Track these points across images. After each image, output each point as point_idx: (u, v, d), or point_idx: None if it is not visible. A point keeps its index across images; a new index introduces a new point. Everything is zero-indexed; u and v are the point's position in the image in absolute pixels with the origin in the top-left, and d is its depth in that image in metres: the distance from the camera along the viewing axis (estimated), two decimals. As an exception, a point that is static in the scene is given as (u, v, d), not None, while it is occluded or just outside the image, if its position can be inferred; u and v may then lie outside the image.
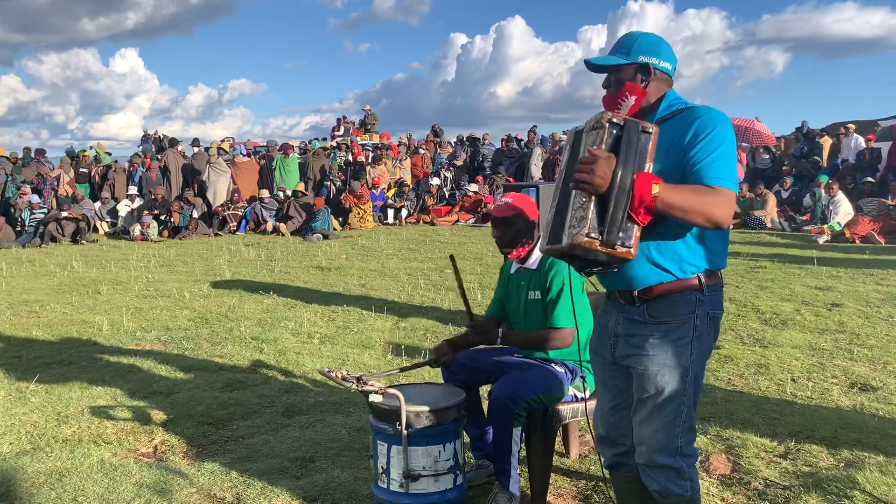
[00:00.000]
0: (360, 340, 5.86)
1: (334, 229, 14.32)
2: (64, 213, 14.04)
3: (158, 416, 4.19)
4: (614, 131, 2.03)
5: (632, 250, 1.99)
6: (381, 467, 2.91)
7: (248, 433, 3.94)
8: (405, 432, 2.79)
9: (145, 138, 20.32)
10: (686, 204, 1.99)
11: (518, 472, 3.04)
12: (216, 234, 14.71)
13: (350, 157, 18.07)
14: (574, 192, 2.04)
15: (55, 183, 16.13)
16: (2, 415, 4.23)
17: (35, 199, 14.68)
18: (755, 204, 14.10)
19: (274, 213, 15.09)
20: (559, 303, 3.02)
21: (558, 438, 3.43)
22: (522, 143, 18.93)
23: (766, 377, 4.66)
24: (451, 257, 3.31)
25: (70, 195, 15.50)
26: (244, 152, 18.05)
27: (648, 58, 2.27)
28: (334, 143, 18.68)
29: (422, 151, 18.70)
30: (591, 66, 2.33)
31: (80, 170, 17.03)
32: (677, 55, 2.37)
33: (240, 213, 15.30)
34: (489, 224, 3.28)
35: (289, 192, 15.39)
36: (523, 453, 3.11)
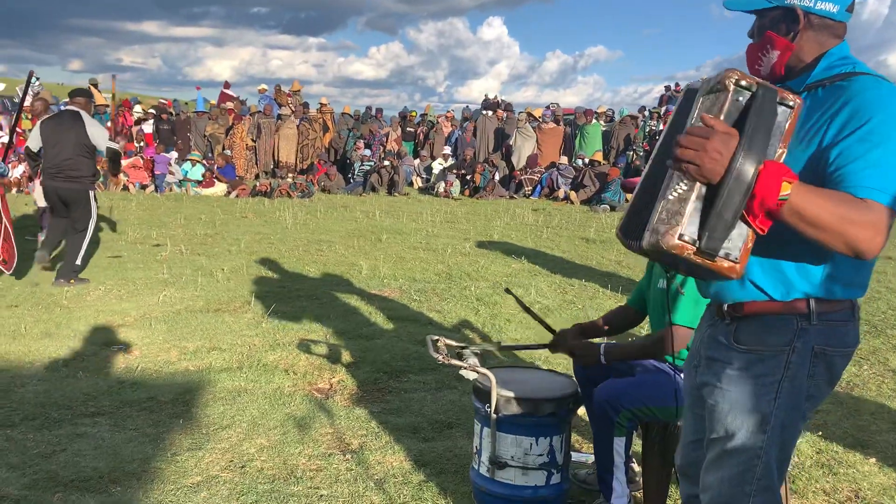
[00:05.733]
0: (574, 317, 5.65)
1: (626, 200, 13.88)
2: (385, 162, 15.71)
3: (348, 357, 4.53)
4: (740, 98, 1.51)
5: (737, 266, 1.51)
6: (475, 447, 2.80)
7: (414, 388, 4.07)
8: (494, 416, 2.64)
9: (485, 102, 21.44)
10: (822, 217, 1.44)
11: (629, 488, 2.70)
12: (511, 197, 15.21)
13: (661, 127, 17.22)
14: (672, 173, 1.54)
15: (384, 139, 18.05)
16: (237, 335, 4.93)
17: (367, 152, 16.63)
18: None
19: (570, 180, 15.10)
20: (680, 296, 2.56)
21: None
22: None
23: None
24: (507, 290, 3.25)
25: (395, 151, 17.24)
26: (551, 118, 18.23)
27: None
28: (646, 113, 17.92)
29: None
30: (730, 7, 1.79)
31: (408, 129, 18.79)
32: None
33: (536, 178, 15.59)
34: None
35: (587, 160, 15.26)
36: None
